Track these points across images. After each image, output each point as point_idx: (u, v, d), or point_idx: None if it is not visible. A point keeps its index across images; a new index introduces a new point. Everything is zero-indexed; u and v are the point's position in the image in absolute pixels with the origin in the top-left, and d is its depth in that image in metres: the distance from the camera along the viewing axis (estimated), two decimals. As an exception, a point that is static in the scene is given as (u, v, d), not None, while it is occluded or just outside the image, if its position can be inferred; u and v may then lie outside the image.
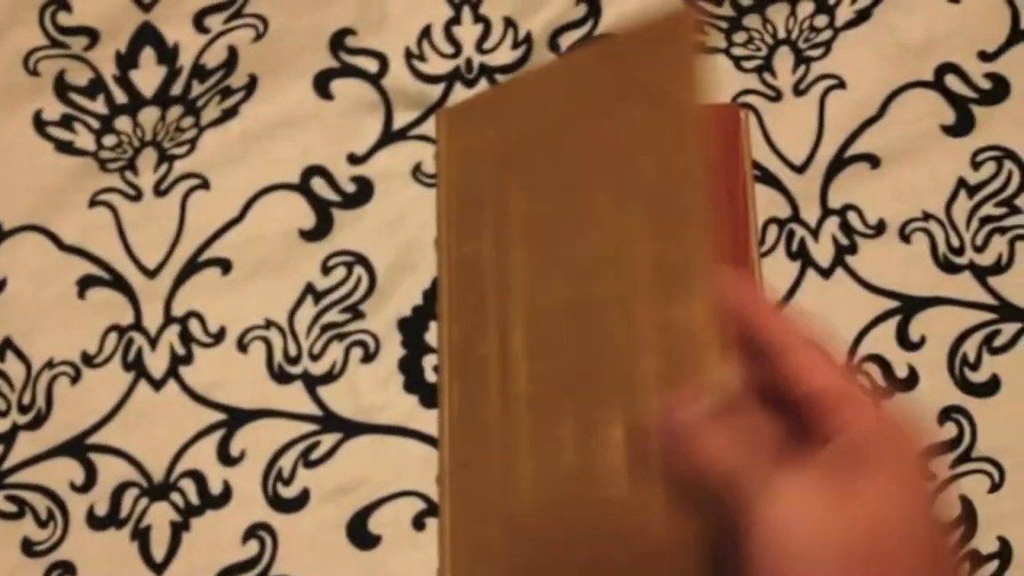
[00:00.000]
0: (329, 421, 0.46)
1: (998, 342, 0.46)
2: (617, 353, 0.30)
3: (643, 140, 0.30)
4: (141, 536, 0.45)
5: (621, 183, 0.31)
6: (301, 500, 0.45)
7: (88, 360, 0.47)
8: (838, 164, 0.48)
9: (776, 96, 0.49)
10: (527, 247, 0.33)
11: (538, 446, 0.32)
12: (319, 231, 0.49)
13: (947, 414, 0.45)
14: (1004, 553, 0.44)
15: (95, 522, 0.46)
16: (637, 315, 0.29)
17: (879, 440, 0.28)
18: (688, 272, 0.28)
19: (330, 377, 0.47)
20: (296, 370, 0.47)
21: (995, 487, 0.44)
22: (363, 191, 0.49)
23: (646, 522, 0.29)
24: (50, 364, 0.47)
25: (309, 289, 0.48)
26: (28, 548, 0.45)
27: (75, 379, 0.47)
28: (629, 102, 0.31)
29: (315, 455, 0.46)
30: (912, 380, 0.46)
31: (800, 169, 0.48)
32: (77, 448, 0.46)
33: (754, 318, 0.29)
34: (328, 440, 0.46)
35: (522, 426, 0.32)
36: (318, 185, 0.49)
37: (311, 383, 0.47)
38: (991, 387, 0.45)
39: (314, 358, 0.47)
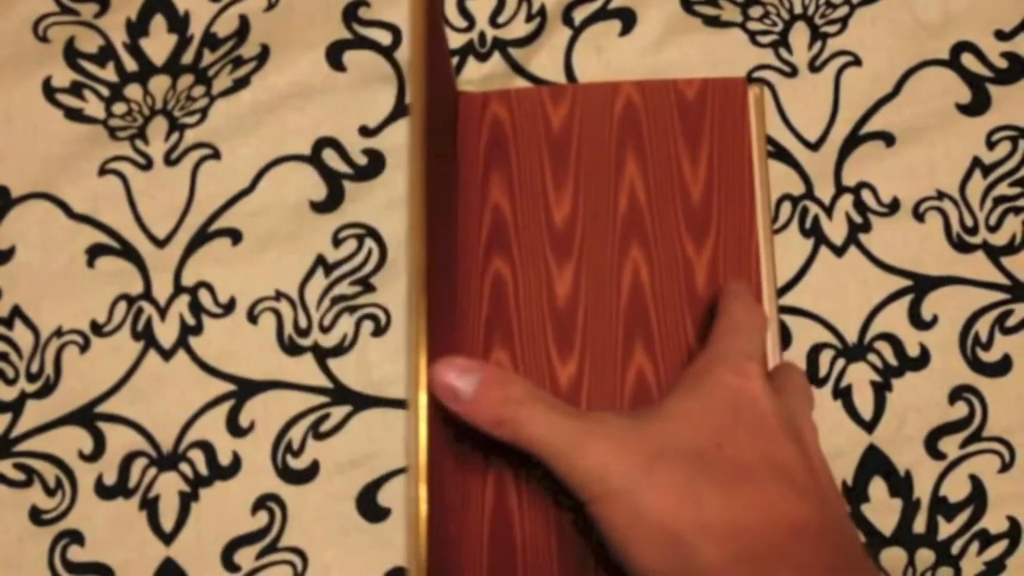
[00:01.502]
0: (339, 394, 0.46)
1: (1010, 322, 0.46)
2: None
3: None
4: (150, 506, 0.45)
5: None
6: (311, 472, 0.45)
7: (97, 329, 0.47)
8: (853, 142, 0.48)
9: (792, 72, 0.49)
10: None
11: None
12: (330, 203, 0.48)
13: (958, 393, 0.45)
14: (1014, 533, 0.44)
15: (103, 491, 0.46)
16: None
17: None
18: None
19: (340, 350, 0.47)
20: (306, 342, 0.47)
21: (1005, 467, 0.45)
22: (375, 164, 0.49)
23: None
24: (59, 332, 0.47)
25: (320, 261, 0.48)
26: (36, 516, 0.45)
27: (84, 348, 0.47)
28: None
29: (325, 427, 0.46)
30: (924, 359, 0.46)
31: (814, 146, 0.48)
32: (86, 417, 0.46)
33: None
34: (338, 413, 0.46)
35: None
36: (329, 157, 0.49)
37: (321, 355, 0.46)
38: (1003, 367, 0.45)
39: (324, 330, 0.47)
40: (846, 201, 0.47)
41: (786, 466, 0.34)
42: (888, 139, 0.48)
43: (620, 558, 0.34)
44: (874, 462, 0.45)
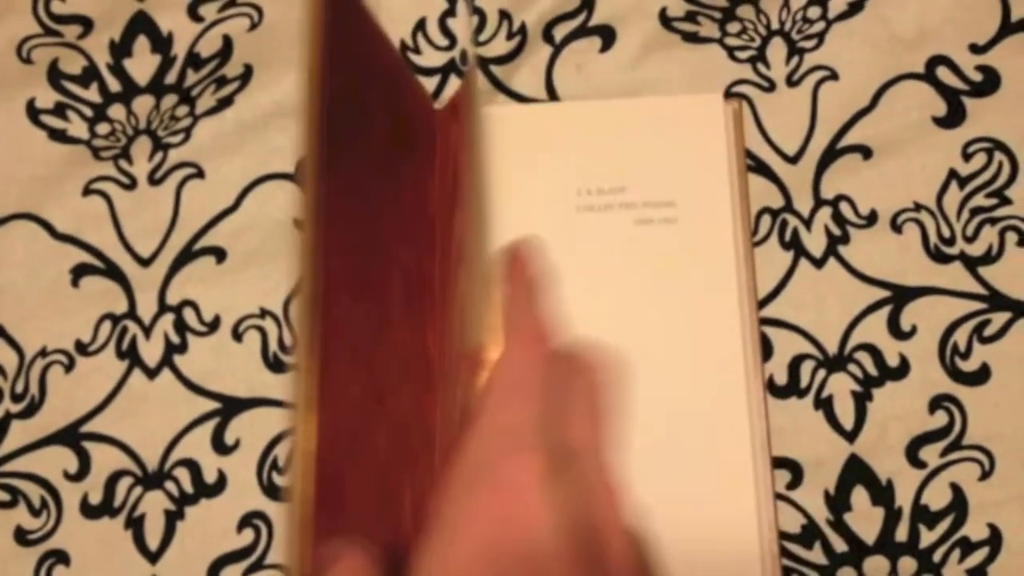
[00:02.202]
0: (324, 410, 0.46)
1: (988, 331, 0.46)
2: None
3: None
4: (135, 525, 0.45)
5: None
6: (296, 488, 0.45)
7: (82, 349, 0.47)
8: (830, 155, 0.48)
9: (770, 87, 0.49)
10: None
11: None
12: (314, 220, 0.48)
13: (938, 403, 0.46)
14: (994, 540, 0.44)
15: (89, 511, 0.45)
16: None
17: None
18: None
19: (325, 366, 0.47)
20: (291, 359, 0.47)
21: (985, 475, 0.45)
22: (358, 181, 0.49)
23: None
24: (43, 352, 0.47)
25: (304, 278, 0.48)
26: (21, 537, 0.45)
27: (69, 368, 0.47)
28: None
29: (310, 443, 0.46)
30: (903, 369, 0.46)
31: (793, 160, 0.48)
32: (71, 437, 0.46)
33: None
34: (323, 429, 0.46)
35: None
36: (313, 175, 0.49)
37: (306, 372, 0.47)
38: (981, 376, 0.46)
39: (309, 347, 0.47)
40: (825, 214, 0.48)
41: None
42: (865, 152, 0.48)
43: None
44: (856, 471, 0.45)
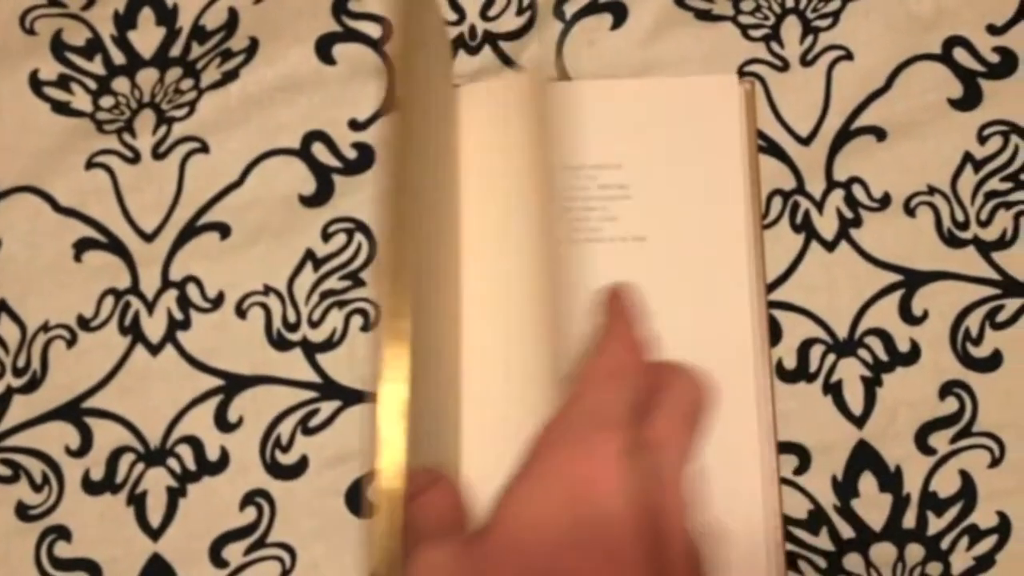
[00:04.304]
0: (328, 389, 0.46)
1: (1001, 317, 0.46)
2: None
3: None
4: (137, 501, 0.45)
5: None
6: (300, 467, 0.45)
7: (84, 324, 0.47)
8: (844, 136, 0.48)
9: (783, 66, 0.49)
10: None
11: None
12: (319, 197, 0.48)
13: (948, 389, 0.45)
14: (1003, 528, 0.44)
15: (90, 487, 0.45)
16: None
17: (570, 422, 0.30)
18: None
19: (329, 344, 0.46)
20: (295, 337, 0.46)
21: (995, 462, 0.44)
22: (365, 157, 0.48)
23: None
24: (45, 327, 0.47)
25: (309, 255, 0.47)
26: (22, 512, 0.45)
27: (71, 343, 0.47)
28: None
29: (314, 422, 0.45)
30: (914, 354, 0.45)
31: (806, 141, 0.48)
32: (72, 412, 0.46)
33: None
34: (327, 408, 0.46)
35: None
36: (319, 151, 0.48)
37: (310, 350, 0.46)
38: (993, 362, 0.45)
39: (313, 325, 0.47)
40: (837, 196, 0.47)
41: None
42: (879, 134, 0.48)
43: None
44: (864, 457, 0.45)
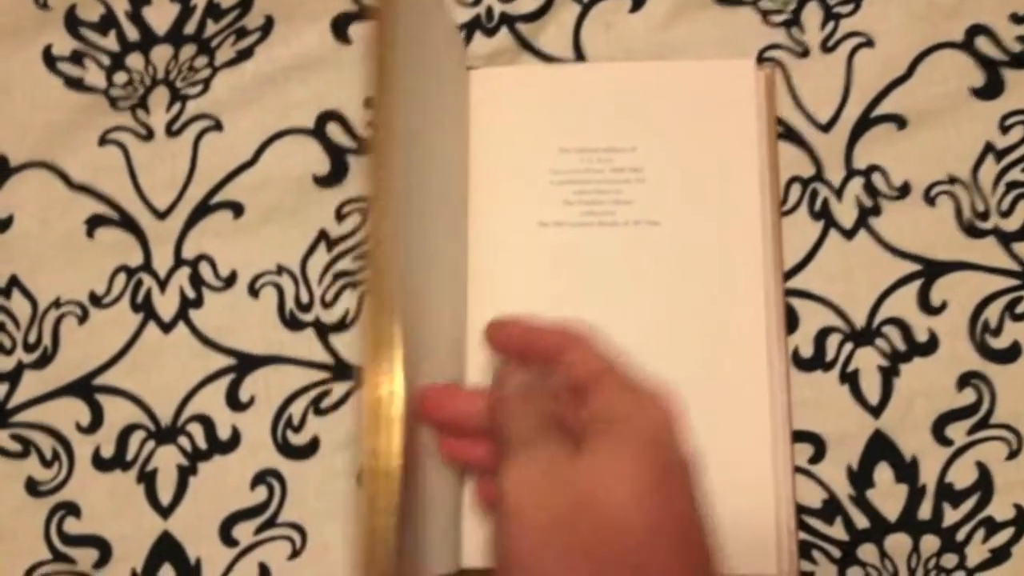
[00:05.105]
0: (341, 369, 0.45)
1: (1020, 308, 0.45)
2: None
3: None
4: (147, 479, 0.45)
5: None
6: (311, 448, 0.45)
7: (96, 300, 0.46)
8: (864, 124, 0.47)
9: (804, 52, 0.48)
10: None
11: None
12: (334, 177, 0.48)
13: (966, 380, 0.45)
14: (1020, 521, 0.43)
15: (101, 464, 0.45)
16: None
17: (616, 419, 0.32)
18: None
19: (342, 325, 0.46)
20: (308, 317, 0.46)
21: (1013, 454, 0.44)
22: (379, 138, 0.48)
23: None
24: (57, 303, 0.46)
25: (322, 236, 0.47)
26: (32, 488, 0.45)
27: (82, 319, 0.46)
28: None
29: (326, 403, 0.45)
30: (932, 345, 0.45)
31: (825, 128, 0.47)
32: (84, 389, 0.46)
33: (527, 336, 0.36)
34: (339, 389, 0.45)
35: None
36: (333, 130, 0.48)
37: (323, 330, 0.46)
38: (1012, 354, 0.45)
39: (326, 305, 0.46)
40: (856, 184, 0.47)
41: None
42: (900, 122, 0.47)
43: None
44: (880, 447, 0.44)
